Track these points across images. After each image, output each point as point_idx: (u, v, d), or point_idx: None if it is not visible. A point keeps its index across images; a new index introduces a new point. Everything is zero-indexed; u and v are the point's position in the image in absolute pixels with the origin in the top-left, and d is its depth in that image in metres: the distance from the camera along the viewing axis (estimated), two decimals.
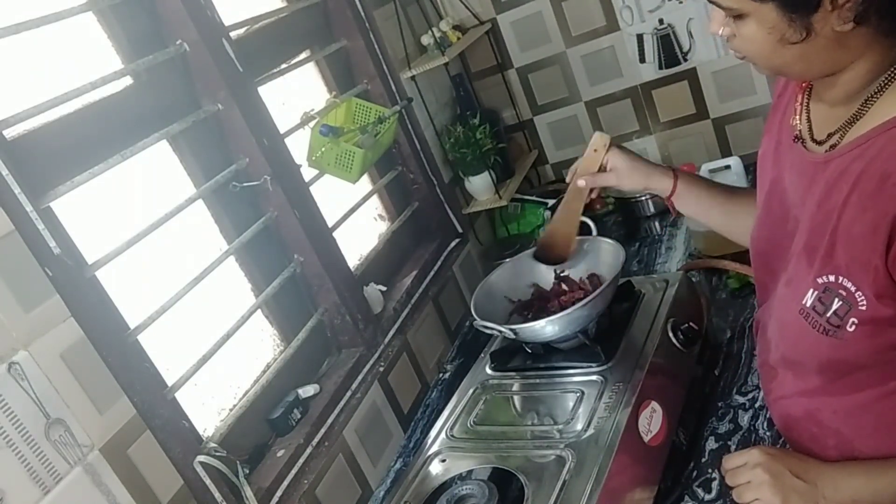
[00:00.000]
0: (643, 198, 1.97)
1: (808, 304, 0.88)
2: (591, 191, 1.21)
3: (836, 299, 0.85)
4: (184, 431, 1.15)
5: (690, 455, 1.19)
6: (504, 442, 1.19)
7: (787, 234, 0.95)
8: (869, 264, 0.80)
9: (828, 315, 0.86)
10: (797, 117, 0.94)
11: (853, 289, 0.83)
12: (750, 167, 1.78)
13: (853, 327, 0.84)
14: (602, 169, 1.19)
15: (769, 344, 1.01)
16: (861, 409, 0.90)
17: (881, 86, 0.82)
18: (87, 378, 1.00)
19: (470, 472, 1.16)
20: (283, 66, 1.61)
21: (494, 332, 1.32)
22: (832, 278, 0.85)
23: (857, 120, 0.84)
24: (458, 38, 2.04)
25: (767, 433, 1.16)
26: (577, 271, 1.49)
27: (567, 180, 1.23)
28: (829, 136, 0.88)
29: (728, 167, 1.83)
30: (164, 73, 1.32)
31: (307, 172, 1.57)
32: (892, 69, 0.81)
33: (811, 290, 0.88)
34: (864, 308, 0.82)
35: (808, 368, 0.93)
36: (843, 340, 0.85)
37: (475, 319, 1.32)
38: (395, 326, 1.67)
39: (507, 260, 1.51)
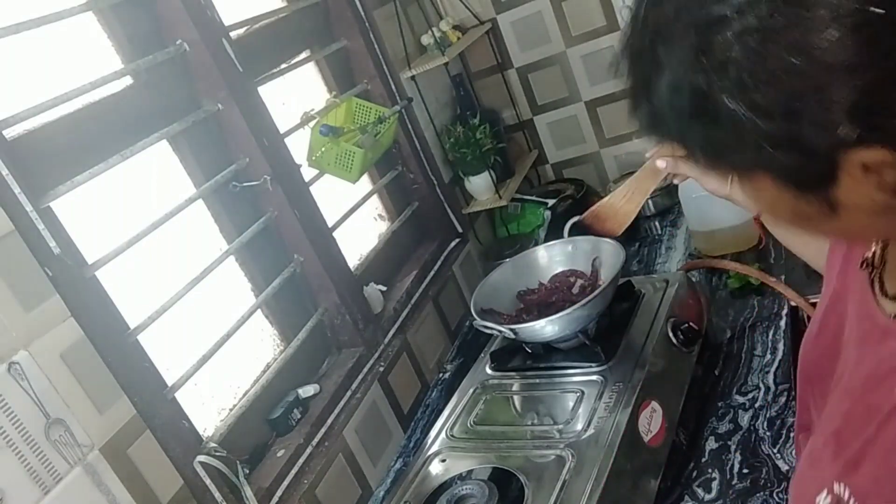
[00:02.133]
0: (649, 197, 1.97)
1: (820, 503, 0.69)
2: (667, 177, 1.01)
3: None
4: (184, 431, 1.15)
5: (690, 455, 1.18)
6: (504, 442, 1.19)
7: (831, 373, 0.76)
8: None
9: None
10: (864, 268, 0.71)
11: None
12: None
13: None
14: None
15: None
16: None
17: None
18: (87, 378, 1.00)
19: (470, 471, 1.16)
20: (283, 66, 1.61)
21: (494, 331, 1.32)
22: (845, 492, 0.65)
23: None
24: (458, 38, 2.04)
25: (767, 433, 1.16)
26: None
27: (647, 155, 1.04)
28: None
29: None
30: (164, 73, 1.32)
31: (307, 172, 1.57)
32: None
33: (826, 492, 0.68)
34: None
35: None
36: None
37: (475, 319, 1.32)
38: (395, 326, 1.67)
39: (507, 260, 1.51)
